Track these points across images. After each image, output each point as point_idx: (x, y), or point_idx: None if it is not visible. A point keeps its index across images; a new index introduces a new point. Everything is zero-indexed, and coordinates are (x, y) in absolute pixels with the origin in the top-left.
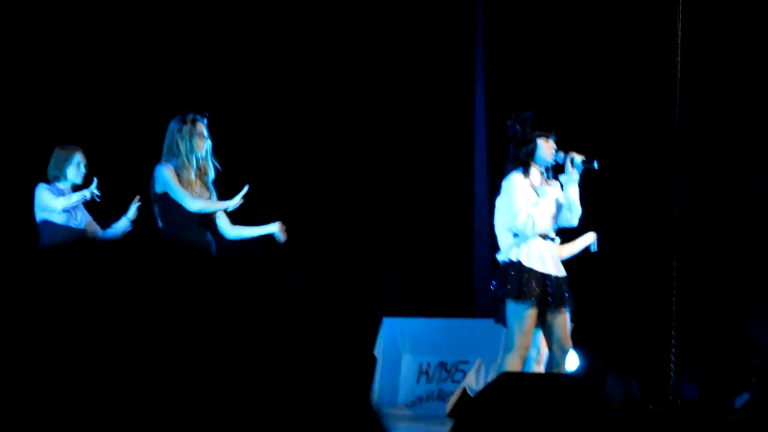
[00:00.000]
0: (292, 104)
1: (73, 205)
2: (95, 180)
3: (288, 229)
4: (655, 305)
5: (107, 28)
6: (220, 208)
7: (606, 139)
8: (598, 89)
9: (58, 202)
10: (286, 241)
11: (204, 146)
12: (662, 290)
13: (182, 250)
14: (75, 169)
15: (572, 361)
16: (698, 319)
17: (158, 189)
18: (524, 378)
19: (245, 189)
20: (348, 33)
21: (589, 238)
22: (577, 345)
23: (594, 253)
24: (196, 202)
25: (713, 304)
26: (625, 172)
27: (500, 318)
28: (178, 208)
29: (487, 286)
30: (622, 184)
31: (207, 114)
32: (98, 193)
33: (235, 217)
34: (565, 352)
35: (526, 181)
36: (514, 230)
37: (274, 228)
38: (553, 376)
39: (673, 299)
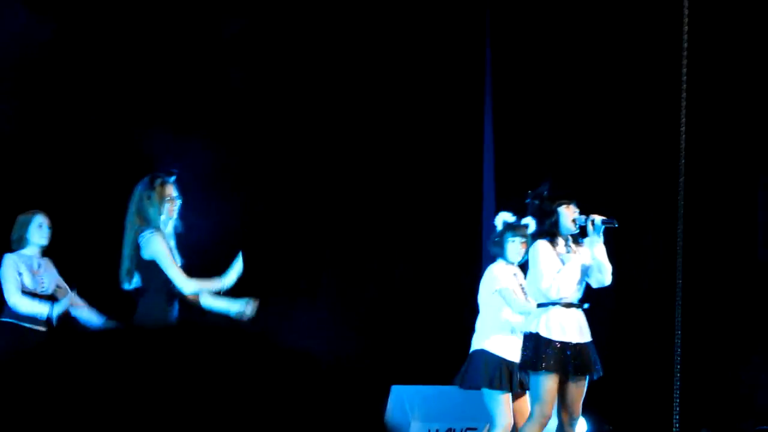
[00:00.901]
0: (294, 131)
1: (32, 314)
2: (66, 298)
3: (295, 288)
4: (661, 369)
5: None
6: (214, 289)
7: (609, 194)
8: (604, 140)
9: (15, 299)
10: (294, 303)
11: (175, 209)
12: (667, 355)
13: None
14: (37, 231)
15: (581, 427)
16: (704, 384)
17: (146, 256)
18: None
19: (239, 261)
20: (358, 62)
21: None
22: (586, 410)
23: (617, 227)
24: (189, 284)
25: (719, 369)
26: (628, 232)
27: (462, 381)
28: (162, 276)
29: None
30: (626, 245)
31: (175, 172)
32: (58, 314)
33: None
34: (574, 420)
35: (551, 248)
36: (539, 298)
37: (241, 307)
38: None
39: (677, 365)
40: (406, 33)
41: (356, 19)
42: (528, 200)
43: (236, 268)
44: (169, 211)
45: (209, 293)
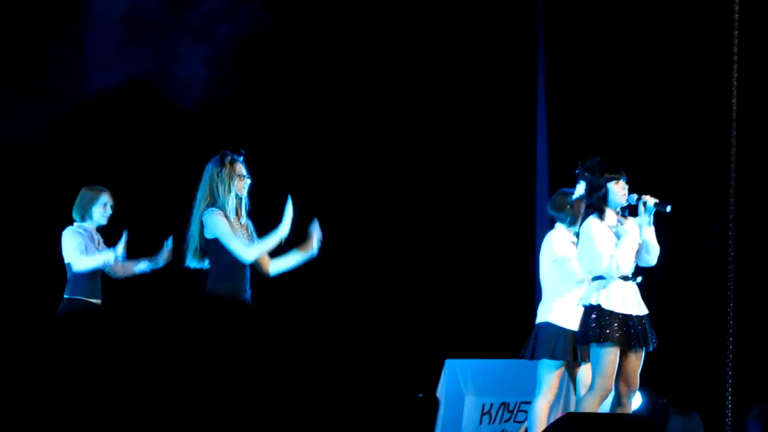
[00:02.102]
0: (343, 146)
1: (94, 267)
2: (124, 237)
3: (348, 270)
4: (714, 342)
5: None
6: (275, 244)
7: (662, 174)
8: (657, 122)
9: (80, 261)
10: (346, 287)
11: (245, 187)
12: (720, 328)
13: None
14: (101, 210)
15: (635, 401)
16: (757, 357)
17: (208, 235)
18: (588, 418)
19: (289, 206)
20: (412, 48)
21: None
22: (639, 384)
23: (668, 213)
24: (250, 251)
25: None
26: (682, 213)
27: (532, 353)
28: (227, 254)
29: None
30: (681, 225)
31: (243, 151)
32: (123, 255)
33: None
34: (632, 393)
35: (603, 224)
36: (596, 274)
37: (312, 245)
38: (617, 416)
39: (730, 338)
40: (458, 18)
41: (408, 8)
42: (578, 171)
43: (288, 215)
44: (239, 188)
45: (275, 261)
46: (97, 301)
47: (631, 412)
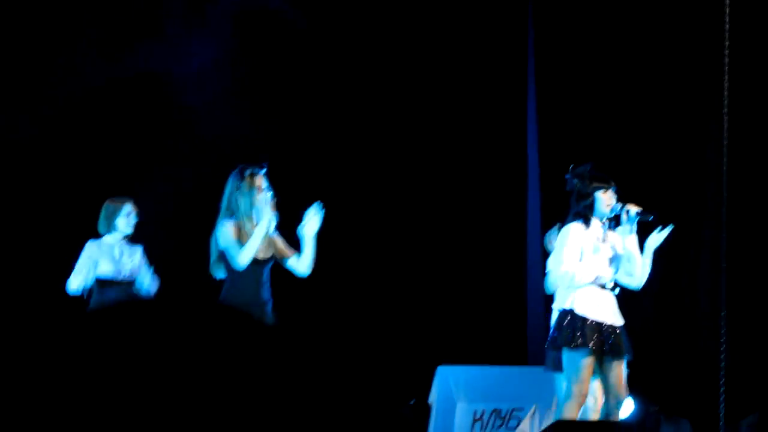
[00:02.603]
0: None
1: (79, 286)
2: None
3: (339, 276)
4: (707, 350)
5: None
6: (262, 236)
7: (652, 185)
8: (647, 130)
9: (72, 282)
10: (337, 293)
11: (264, 200)
12: (713, 336)
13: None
14: (125, 220)
15: (626, 408)
16: (750, 365)
17: (220, 245)
18: (578, 426)
19: (314, 210)
20: (400, 50)
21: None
22: (631, 391)
23: (652, 221)
24: (241, 256)
25: (766, 349)
26: (673, 220)
27: (550, 365)
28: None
29: (540, 333)
30: (672, 232)
31: (265, 164)
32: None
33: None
34: (620, 402)
35: (585, 232)
36: (563, 283)
37: (314, 224)
38: (608, 423)
39: (723, 345)
40: (449, 19)
41: (398, 8)
42: (568, 176)
43: (312, 216)
44: (259, 201)
45: (300, 257)
46: None
47: (619, 420)
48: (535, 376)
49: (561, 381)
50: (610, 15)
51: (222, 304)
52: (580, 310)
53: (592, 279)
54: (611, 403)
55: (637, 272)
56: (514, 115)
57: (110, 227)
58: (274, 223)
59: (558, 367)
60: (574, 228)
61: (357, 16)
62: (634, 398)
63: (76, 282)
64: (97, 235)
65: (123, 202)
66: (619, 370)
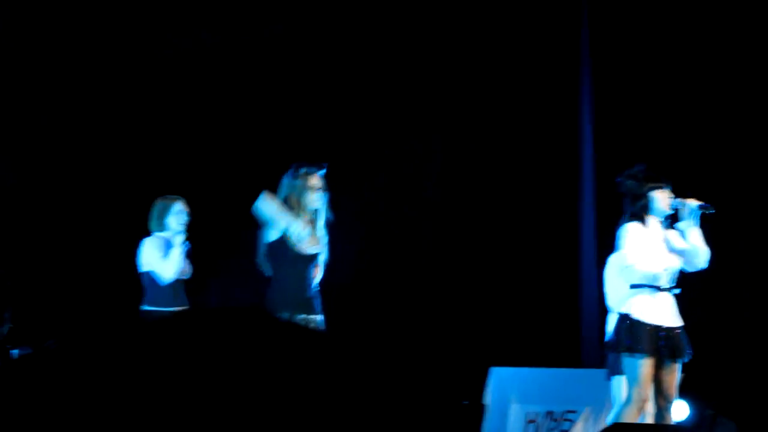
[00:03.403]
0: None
1: (179, 268)
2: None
3: (393, 279)
4: (764, 352)
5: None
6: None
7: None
8: (702, 127)
9: (165, 266)
10: (393, 294)
11: (318, 199)
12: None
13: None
14: (176, 217)
15: (681, 411)
16: None
17: (267, 238)
18: (634, 429)
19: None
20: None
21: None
22: (686, 394)
23: (712, 213)
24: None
25: None
26: (729, 218)
27: (612, 370)
28: (287, 256)
29: (594, 335)
30: (733, 229)
31: (324, 164)
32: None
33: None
34: (669, 404)
35: (643, 231)
36: (629, 280)
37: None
38: (663, 427)
39: None
40: (505, 23)
41: (454, 13)
42: (621, 179)
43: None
44: (312, 200)
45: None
46: (172, 309)
47: (672, 423)
48: (589, 378)
49: (617, 384)
50: (665, 11)
51: (269, 314)
52: (638, 315)
53: (655, 277)
54: (662, 404)
55: (702, 263)
56: (568, 116)
57: (161, 225)
58: (322, 220)
59: (615, 371)
60: (633, 227)
61: (414, 17)
62: (689, 401)
63: (170, 269)
64: (147, 233)
65: (173, 200)
66: (674, 372)
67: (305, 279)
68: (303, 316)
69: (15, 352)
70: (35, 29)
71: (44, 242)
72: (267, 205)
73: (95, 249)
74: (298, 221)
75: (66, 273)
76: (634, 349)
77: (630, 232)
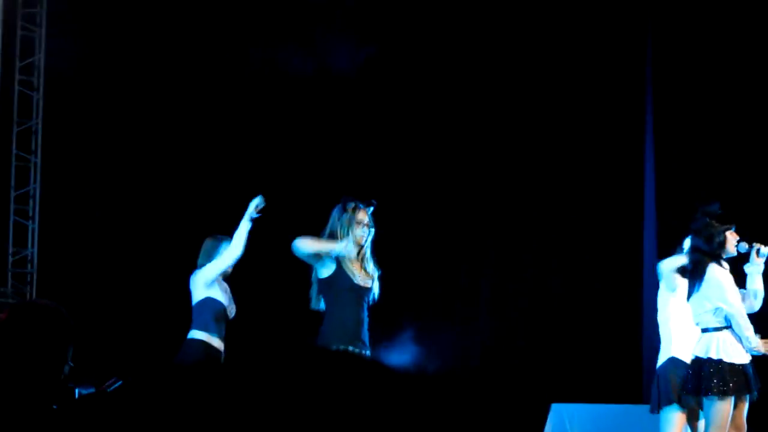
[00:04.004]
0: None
1: (227, 265)
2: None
3: (453, 303)
4: None
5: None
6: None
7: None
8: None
9: (232, 248)
10: (453, 319)
11: (364, 235)
12: None
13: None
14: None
15: None
16: None
17: (318, 274)
18: None
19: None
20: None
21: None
22: (753, 428)
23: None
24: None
25: None
26: None
27: (655, 406)
28: (334, 296)
29: (655, 371)
30: None
31: (374, 202)
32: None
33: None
34: None
35: (727, 273)
36: (707, 322)
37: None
38: None
39: None
40: (569, 44)
41: (521, 28)
42: (698, 215)
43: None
44: (358, 237)
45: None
46: (218, 340)
47: None
48: (649, 414)
49: (666, 419)
50: (728, 39)
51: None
52: (726, 358)
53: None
54: None
55: (756, 306)
56: (631, 143)
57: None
58: (370, 255)
59: (662, 403)
60: (719, 270)
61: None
62: None
63: (236, 247)
64: (195, 268)
65: (222, 240)
66: (743, 408)
67: (358, 313)
68: (354, 349)
69: (77, 390)
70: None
71: (104, 279)
72: (302, 243)
73: (151, 285)
74: (341, 245)
75: (126, 310)
76: (722, 393)
77: (721, 275)
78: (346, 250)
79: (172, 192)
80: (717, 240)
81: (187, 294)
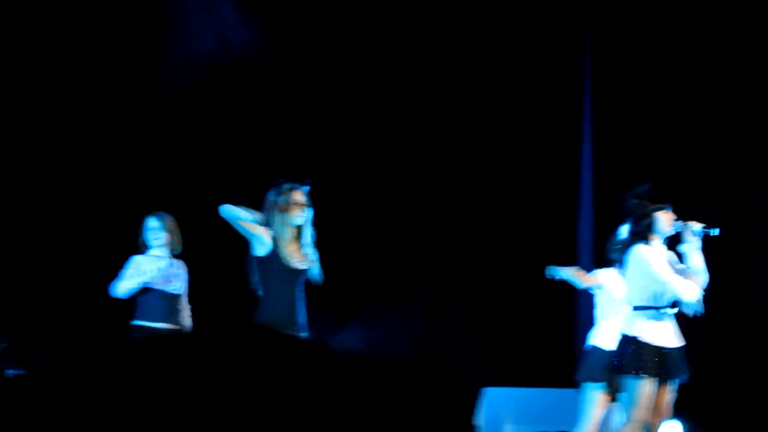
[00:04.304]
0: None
1: (130, 290)
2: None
3: (386, 290)
4: (761, 372)
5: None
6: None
7: (706, 199)
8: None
9: (122, 285)
10: (386, 305)
11: (301, 215)
12: (762, 354)
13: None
14: (151, 234)
15: (673, 429)
16: None
17: (255, 252)
18: None
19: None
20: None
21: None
22: (680, 414)
23: (716, 235)
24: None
25: None
26: (728, 238)
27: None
28: (269, 274)
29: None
30: (727, 249)
31: (309, 181)
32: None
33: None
34: (662, 422)
35: (654, 250)
36: (643, 303)
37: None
38: None
39: None
40: (506, 34)
41: (458, 20)
42: (626, 198)
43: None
44: (295, 216)
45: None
46: (166, 325)
47: None
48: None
49: (585, 401)
50: (668, 24)
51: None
52: (646, 337)
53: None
54: (654, 422)
55: (699, 286)
56: (568, 129)
57: (145, 242)
58: (308, 236)
59: (589, 377)
60: (644, 248)
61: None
62: (683, 421)
63: (124, 287)
64: (139, 250)
65: (152, 216)
66: (669, 391)
67: (293, 294)
68: (290, 333)
69: (10, 372)
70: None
71: (36, 261)
72: (227, 206)
73: (87, 266)
74: (262, 219)
75: (59, 291)
76: (639, 371)
77: (645, 253)
78: (272, 230)
79: (105, 171)
80: (645, 221)
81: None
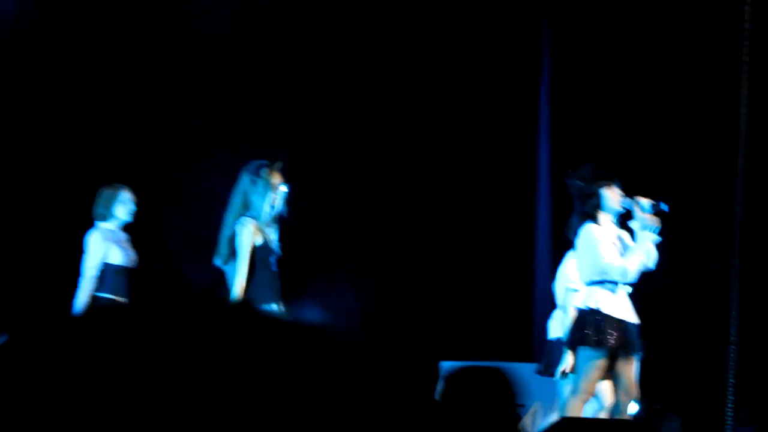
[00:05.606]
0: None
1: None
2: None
3: (339, 266)
4: (714, 348)
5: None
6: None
7: (665, 179)
8: (660, 127)
9: (87, 271)
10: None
11: (280, 196)
12: (721, 334)
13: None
14: (123, 206)
15: (630, 407)
16: (757, 361)
17: (236, 243)
18: (584, 423)
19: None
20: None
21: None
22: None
23: (665, 212)
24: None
25: None
26: (684, 218)
27: (548, 368)
28: (258, 251)
29: (546, 330)
30: (682, 229)
31: (282, 161)
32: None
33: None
34: (630, 400)
35: (603, 229)
36: (597, 278)
37: None
38: (612, 421)
39: (732, 345)
40: (464, 28)
41: (416, 17)
42: (569, 179)
43: None
44: (274, 199)
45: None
46: (123, 299)
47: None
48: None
49: (563, 382)
50: (624, 14)
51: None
52: (605, 309)
53: (622, 274)
54: (623, 400)
55: (649, 264)
56: (526, 114)
57: (108, 214)
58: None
59: (549, 371)
60: (594, 227)
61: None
62: (636, 398)
63: (94, 269)
64: (90, 222)
65: (118, 189)
66: (632, 368)
67: (273, 272)
68: (273, 305)
69: None
70: None
71: None
72: (241, 239)
73: (42, 240)
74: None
75: (15, 265)
76: (596, 342)
77: (595, 232)
78: (253, 211)
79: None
80: (592, 200)
81: (81, 248)
